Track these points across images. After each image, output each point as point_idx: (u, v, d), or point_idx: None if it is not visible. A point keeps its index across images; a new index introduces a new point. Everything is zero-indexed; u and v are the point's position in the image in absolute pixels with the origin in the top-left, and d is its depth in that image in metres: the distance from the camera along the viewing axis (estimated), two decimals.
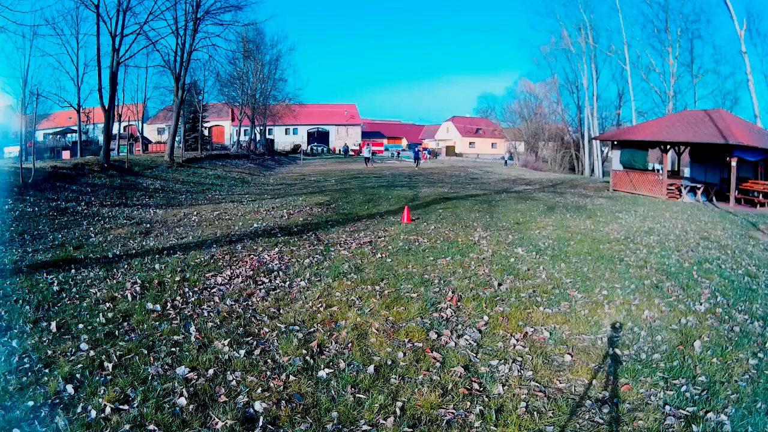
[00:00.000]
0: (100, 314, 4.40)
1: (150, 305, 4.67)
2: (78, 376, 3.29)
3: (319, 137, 62.22)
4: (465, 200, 13.55)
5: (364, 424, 2.86)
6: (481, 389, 3.31)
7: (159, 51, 20.81)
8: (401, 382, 3.35)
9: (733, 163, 14.88)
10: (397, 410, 2.99)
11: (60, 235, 7.86)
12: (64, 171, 13.55)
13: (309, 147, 57.84)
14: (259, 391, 3.18)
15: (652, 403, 3.14)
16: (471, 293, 5.24)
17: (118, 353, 3.63)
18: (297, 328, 4.26)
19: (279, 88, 41.37)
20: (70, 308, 4.57)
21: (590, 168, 34.32)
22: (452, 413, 3.00)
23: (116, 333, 4.03)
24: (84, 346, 3.74)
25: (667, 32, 28.50)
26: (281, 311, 4.68)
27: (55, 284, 5.25)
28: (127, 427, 2.74)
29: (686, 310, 4.83)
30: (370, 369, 3.49)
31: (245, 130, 41.86)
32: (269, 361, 3.62)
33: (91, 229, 8.57)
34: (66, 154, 24.11)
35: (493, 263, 6.52)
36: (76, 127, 26.31)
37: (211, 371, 3.42)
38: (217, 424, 2.82)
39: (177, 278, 5.59)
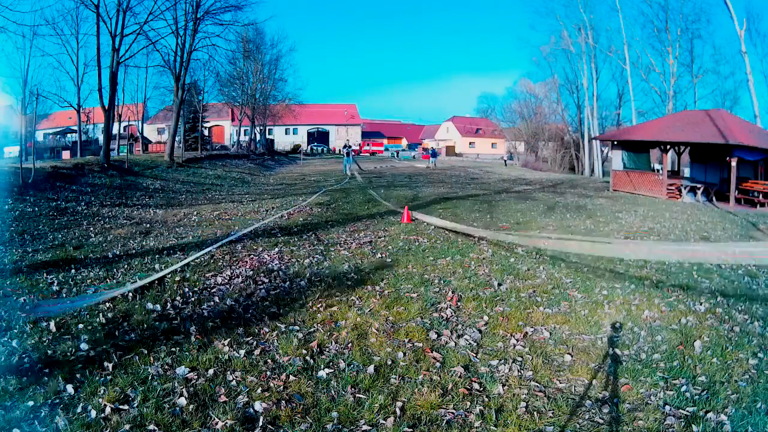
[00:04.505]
0: (100, 314, 4.40)
1: (150, 305, 4.67)
2: (78, 376, 3.28)
3: (319, 137, 62.24)
4: (465, 200, 13.54)
5: (364, 424, 2.86)
6: (481, 389, 3.30)
7: (159, 51, 20.89)
8: (401, 382, 3.34)
9: (733, 163, 14.88)
10: (397, 410, 2.99)
11: (60, 235, 7.86)
12: (64, 171, 13.54)
13: (309, 147, 57.88)
14: (259, 391, 3.18)
15: (652, 403, 3.14)
16: (471, 293, 5.24)
17: (118, 353, 3.63)
18: (297, 328, 4.25)
19: (279, 88, 41.51)
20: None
21: (590, 168, 34.33)
22: (452, 413, 3.00)
23: (116, 333, 4.03)
24: (84, 346, 3.73)
25: (667, 32, 28.55)
26: (281, 311, 4.68)
27: (55, 284, 5.25)
28: (127, 427, 2.74)
29: (686, 310, 4.83)
30: (370, 369, 3.49)
31: (245, 130, 41.89)
32: (269, 361, 3.62)
33: (91, 229, 8.56)
34: (66, 154, 24.10)
35: (493, 263, 6.52)
36: (76, 127, 26.34)
37: (211, 371, 3.42)
38: (217, 424, 2.82)
39: (177, 278, 5.59)
